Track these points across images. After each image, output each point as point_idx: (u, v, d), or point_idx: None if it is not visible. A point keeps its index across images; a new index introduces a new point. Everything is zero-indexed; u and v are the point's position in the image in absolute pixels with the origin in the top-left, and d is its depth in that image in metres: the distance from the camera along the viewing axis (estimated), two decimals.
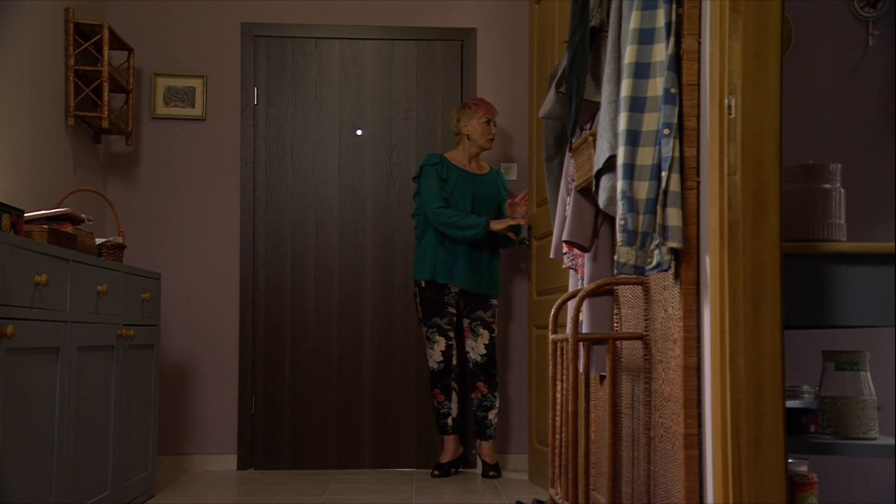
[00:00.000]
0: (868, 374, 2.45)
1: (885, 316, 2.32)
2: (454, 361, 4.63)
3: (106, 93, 4.30)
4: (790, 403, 2.56)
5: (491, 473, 4.63)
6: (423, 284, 4.58)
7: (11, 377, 2.50)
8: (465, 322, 4.66)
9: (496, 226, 4.51)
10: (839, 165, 2.52)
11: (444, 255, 4.55)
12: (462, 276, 4.55)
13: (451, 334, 4.62)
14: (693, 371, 2.43)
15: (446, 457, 4.68)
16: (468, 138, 4.66)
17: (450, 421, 4.63)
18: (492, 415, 4.64)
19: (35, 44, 3.88)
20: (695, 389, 2.42)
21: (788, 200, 2.45)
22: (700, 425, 2.41)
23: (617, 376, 3.06)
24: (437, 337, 4.58)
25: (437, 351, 4.58)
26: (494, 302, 4.67)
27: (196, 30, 4.89)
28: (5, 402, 2.45)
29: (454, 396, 4.63)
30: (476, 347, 4.63)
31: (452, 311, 4.61)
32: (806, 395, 2.57)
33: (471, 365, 4.64)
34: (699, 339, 2.43)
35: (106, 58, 4.30)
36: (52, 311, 2.78)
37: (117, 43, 4.48)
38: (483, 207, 4.63)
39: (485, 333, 4.63)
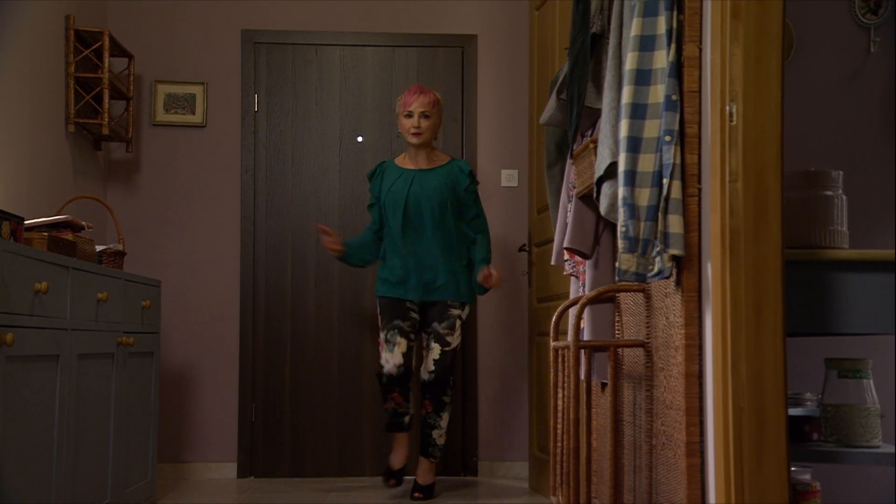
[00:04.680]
0: (871, 381, 2.44)
1: (887, 323, 2.31)
2: (413, 366, 4.27)
3: (106, 100, 4.29)
4: (793, 411, 2.55)
5: (416, 495, 4.18)
6: (381, 299, 4.28)
7: (11, 385, 2.49)
8: (423, 338, 4.30)
9: None
10: (841, 172, 2.51)
11: (399, 267, 4.23)
12: (415, 287, 4.21)
13: (413, 336, 4.24)
14: (695, 379, 2.43)
15: (398, 460, 4.28)
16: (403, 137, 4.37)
17: (407, 419, 4.24)
18: (436, 434, 4.25)
19: (35, 51, 3.88)
20: (696, 397, 2.42)
21: (790, 207, 2.45)
22: (702, 433, 2.40)
23: (618, 384, 3.05)
24: (398, 338, 4.16)
25: (397, 353, 4.14)
26: (456, 312, 4.22)
27: (196, 37, 4.89)
28: (5, 410, 2.44)
29: (411, 399, 4.28)
30: (427, 364, 4.20)
31: (414, 315, 4.25)
32: (808, 403, 2.56)
33: (420, 384, 4.25)
34: (701, 347, 2.43)
35: (106, 65, 4.30)
36: (51, 319, 2.77)
37: (118, 50, 4.48)
38: (426, 204, 4.20)
39: (435, 348, 4.17)
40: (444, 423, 4.26)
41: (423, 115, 4.26)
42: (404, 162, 4.37)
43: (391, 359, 4.15)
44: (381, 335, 4.24)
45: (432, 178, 4.28)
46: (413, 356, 4.25)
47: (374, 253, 4.37)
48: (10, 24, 3.61)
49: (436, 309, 4.23)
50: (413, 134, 4.27)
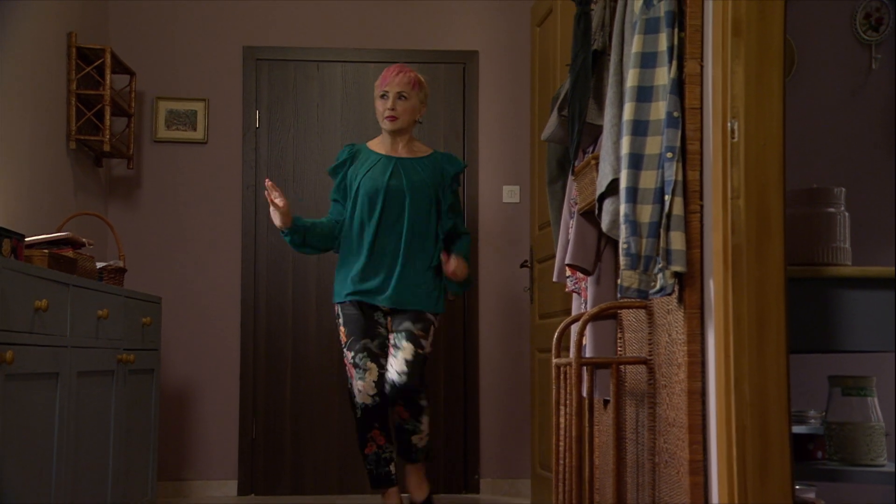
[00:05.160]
0: (875, 399, 2.43)
1: (891, 341, 2.30)
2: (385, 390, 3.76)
3: (107, 116, 4.30)
4: (796, 429, 2.53)
5: None
6: (345, 304, 3.81)
7: (10, 403, 2.48)
8: (391, 339, 3.77)
9: None
10: (843, 189, 2.51)
11: (367, 267, 3.77)
12: (389, 292, 3.75)
13: (384, 361, 3.75)
14: (698, 396, 2.41)
15: None
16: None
17: (392, 468, 3.78)
18: (416, 439, 3.77)
19: (37, 68, 3.88)
20: (699, 415, 2.40)
21: (792, 224, 2.44)
22: (705, 451, 2.38)
23: (621, 401, 3.03)
24: (370, 363, 3.69)
25: (368, 381, 3.67)
26: (431, 317, 3.79)
27: (198, 53, 4.90)
28: (4, 428, 2.43)
29: (393, 437, 3.80)
30: (395, 364, 3.66)
31: (383, 332, 3.79)
32: (812, 421, 2.55)
33: (387, 387, 3.69)
34: (703, 364, 2.41)
35: (108, 82, 4.30)
36: (51, 336, 2.76)
37: (119, 67, 4.49)
38: (409, 198, 3.78)
39: (407, 347, 3.66)
40: (424, 426, 3.77)
41: (400, 97, 3.77)
42: (379, 147, 3.88)
43: (364, 388, 3.69)
44: (348, 356, 3.75)
45: (417, 169, 3.82)
46: (384, 383, 3.77)
47: (331, 241, 3.87)
48: (12, 40, 3.61)
49: (410, 313, 3.76)
50: (387, 118, 3.77)
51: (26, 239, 3.09)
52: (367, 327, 3.75)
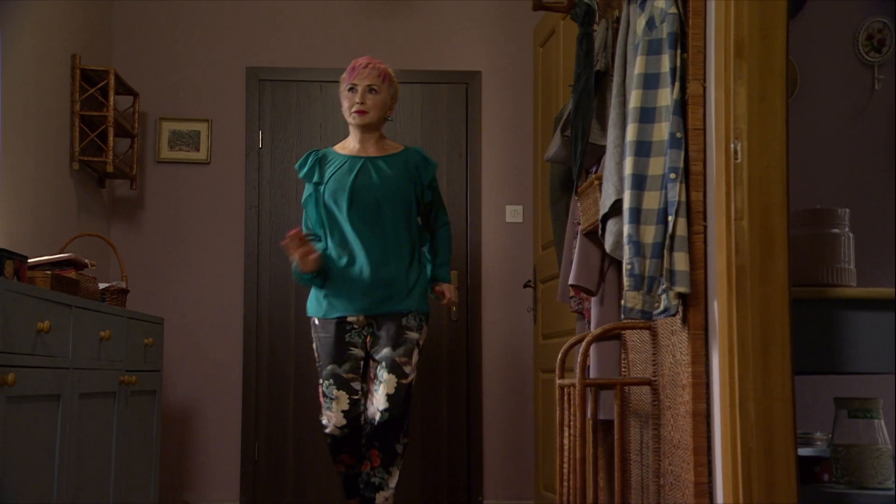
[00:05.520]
0: (882, 421, 2.41)
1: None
2: (364, 420, 3.49)
3: (111, 137, 4.31)
4: (802, 451, 2.52)
5: None
6: (315, 321, 3.56)
7: (12, 425, 2.47)
8: (372, 367, 3.51)
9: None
10: (847, 210, 2.50)
11: (339, 276, 3.47)
12: (362, 298, 3.45)
13: (357, 385, 3.47)
14: (702, 418, 2.40)
15: None
16: (346, 119, 3.63)
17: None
18: (380, 497, 3.43)
19: (41, 89, 3.90)
20: (704, 436, 2.39)
21: (797, 245, 2.44)
22: (710, 473, 2.36)
23: (625, 422, 3.01)
24: (337, 392, 3.42)
25: (336, 412, 3.41)
26: (414, 336, 3.47)
27: (201, 74, 4.92)
28: (5, 451, 2.42)
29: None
30: (377, 400, 3.40)
31: (357, 352, 3.49)
32: (819, 443, 2.53)
33: (367, 427, 3.45)
34: (708, 385, 2.40)
35: (111, 103, 4.31)
36: (54, 358, 2.76)
37: (123, 88, 4.50)
38: (380, 198, 3.49)
39: (389, 380, 3.38)
40: (392, 482, 3.42)
41: (370, 90, 3.51)
42: (347, 148, 3.61)
43: (332, 418, 3.44)
44: (320, 380, 3.51)
45: (386, 167, 3.52)
46: (359, 408, 3.49)
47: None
48: (17, 62, 3.63)
49: (388, 329, 3.44)
50: (356, 112, 3.50)
51: (29, 260, 3.08)
52: (335, 352, 3.45)
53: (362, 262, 3.46)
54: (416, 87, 4.99)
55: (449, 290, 3.59)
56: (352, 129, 3.61)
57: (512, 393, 4.87)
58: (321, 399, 3.49)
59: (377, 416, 3.38)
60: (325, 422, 3.47)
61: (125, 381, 3.41)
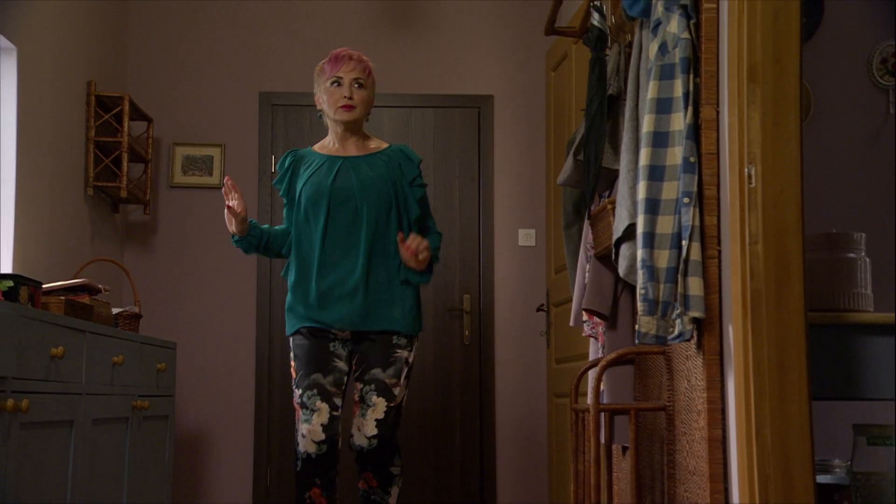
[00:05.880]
0: None
1: None
2: (341, 444, 3.18)
3: (125, 163, 4.33)
4: (821, 478, 2.49)
5: None
6: (295, 337, 3.24)
7: (25, 451, 2.46)
8: (357, 388, 3.19)
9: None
10: (863, 234, 2.49)
11: (318, 285, 3.16)
12: (344, 311, 3.14)
13: (339, 402, 3.15)
14: (718, 444, 2.38)
15: None
16: (327, 116, 3.30)
17: None
18: None
19: (57, 116, 3.93)
20: (720, 463, 2.36)
21: (813, 270, 2.42)
22: (727, 501, 2.34)
23: (640, 448, 2.99)
24: (319, 403, 3.09)
25: (315, 425, 3.07)
26: (403, 354, 3.16)
27: (214, 99, 4.95)
28: (19, 478, 2.42)
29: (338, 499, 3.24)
30: (364, 426, 3.11)
31: (341, 365, 3.18)
32: (837, 470, 2.50)
33: (354, 453, 3.16)
34: (724, 411, 2.38)
35: (126, 129, 4.34)
36: (67, 384, 2.76)
37: (137, 113, 4.53)
38: (360, 200, 3.17)
39: (379, 404, 3.10)
40: (393, 500, 3.20)
41: (357, 84, 3.22)
42: (326, 148, 3.32)
43: (308, 433, 3.07)
44: (296, 394, 3.14)
45: (367, 167, 3.22)
46: (337, 429, 3.15)
47: (286, 246, 3.33)
48: (33, 89, 3.66)
49: (375, 347, 3.15)
50: (343, 107, 3.19)
51: (43, 286, 3.09)
52: (319, 359, 3.13)
53: (345, 273, 3.14)
54: (429, 111, 5.00)
55: (415, 238, 3.12)
56: (332, 127, 3.29)
57: (525, 417, 4.84)
58: (298, 412, 3.11)
59: (365, 444, 3.10)
60: (299, 440, 3.09)
61: (138, 406, 3.41)
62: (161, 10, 4.95)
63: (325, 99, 3.24)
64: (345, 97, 3.19)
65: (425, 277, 3.23)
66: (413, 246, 3.09)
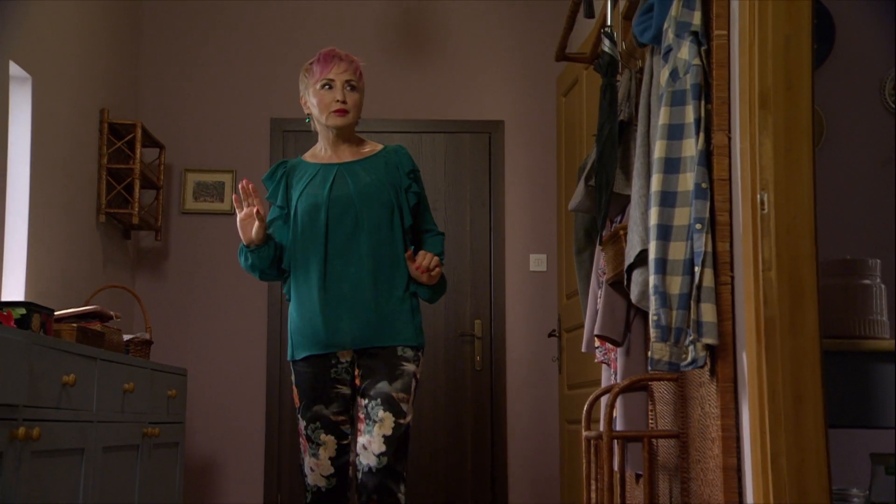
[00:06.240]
0: None
1: None
2: (354, 471, 2.96)
3: (137, 190, 4.35)
4: None
5: None
6: (296, 364, 3.02)
7: (36, 479, 2.46)
8: (361, 405, 2.93)
9: None
10: (878, 261, 2.47)
11: (318, 306, 2.94)
12: (347, 329, 2.92)
13: (347, 429, 2.96)
14: (733, 472, 2.35)
15: None
16: (317, 121, 3.06)
17: None
18: None
19: (70, 143, 3.95)
20: (736, 492, 2.34)
21: (827, 296, 2.40)
22: None
23: (653, 476, 2.96)
24: (324, 436, 2.91)
25: (323, 459, 2.90)
26: (411, 367, 2.91)
27: (226, 125, 4.97)
28: None
29: None
30: (371, 443, 2.82)
31: (345, 391, 2.96)
32: (856, 500, 2.47)
33: (360, 474, 2.85)
34: (738, 439, 2.36)
35: (138, 156, 4.36)
36: (78, 412, 2.75)
37: (149, 140, 4.55)
38: (359, 208, 2.95)
39: (386, 419, 2.82)
40: None
41: (349, 86, 3.02)
42: (318, 156, 3.09)
43: (317, 467, 2.92)
44: (301, 424, 2.98)
45: (364, 172, 3.02)
46: (348, 455, 2.98)
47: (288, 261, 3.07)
48: (47, 117, 3.68)
49: (379, 359, 2.91)
50: (336, 111, 2.99)
51: (55, 313, 3.10)
52: (320, 389, 2.94)
53: (346, 288, 2.93)
54: (440, 137, 5.01)
55: (424, 254, 2.96)
56: (324, 133, 3.06)
57: (537, 444, 4.81)
58: (304, 444, 2.96)
59: (374, 463, 2.81)
60: (307, 472, 2.94)
61: (148, 433, 3.40)
62: (173, 38, 4.98)
63: (315, 102, 3.01)
64: (337, 101, 2.99)
65: (438, 294, 3.04)
66: (424, 264, 2.92)
